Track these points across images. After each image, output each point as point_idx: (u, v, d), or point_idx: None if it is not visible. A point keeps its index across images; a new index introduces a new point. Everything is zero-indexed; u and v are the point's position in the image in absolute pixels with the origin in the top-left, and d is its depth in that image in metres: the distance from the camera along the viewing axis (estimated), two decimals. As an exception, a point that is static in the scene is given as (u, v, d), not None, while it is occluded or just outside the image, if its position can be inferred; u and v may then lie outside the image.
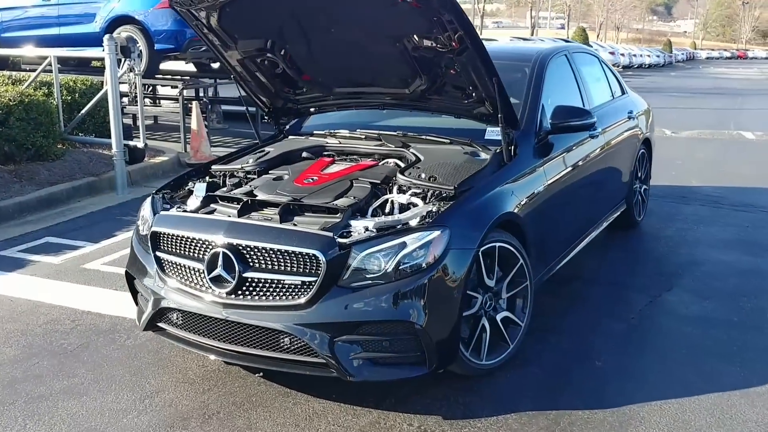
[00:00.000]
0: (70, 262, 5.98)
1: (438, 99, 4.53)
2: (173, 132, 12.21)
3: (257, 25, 4.51)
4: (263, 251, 3.56)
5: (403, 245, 3.50)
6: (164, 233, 3.90)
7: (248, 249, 3.60)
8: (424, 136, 4.70)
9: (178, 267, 3.85)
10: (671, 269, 5.69)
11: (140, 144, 8.85)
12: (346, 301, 3.47)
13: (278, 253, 3.53)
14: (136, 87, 8.83)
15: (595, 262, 5.76)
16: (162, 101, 14.08)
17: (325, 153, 4.79)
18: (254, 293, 3.59)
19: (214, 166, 4.66)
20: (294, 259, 3.51)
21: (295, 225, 3.71)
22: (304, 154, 4.77)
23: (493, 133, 4.62)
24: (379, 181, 4.13)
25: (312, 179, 4.20)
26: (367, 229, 3.60)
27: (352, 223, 3.69)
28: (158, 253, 3.94)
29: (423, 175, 4.05)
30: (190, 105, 11.32)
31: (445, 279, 3.55)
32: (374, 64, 4.47)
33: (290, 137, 5.25)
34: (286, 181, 4.23)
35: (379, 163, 4.48)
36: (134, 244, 4.29)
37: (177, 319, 3.91)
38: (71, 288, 5.41)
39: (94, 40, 11.09)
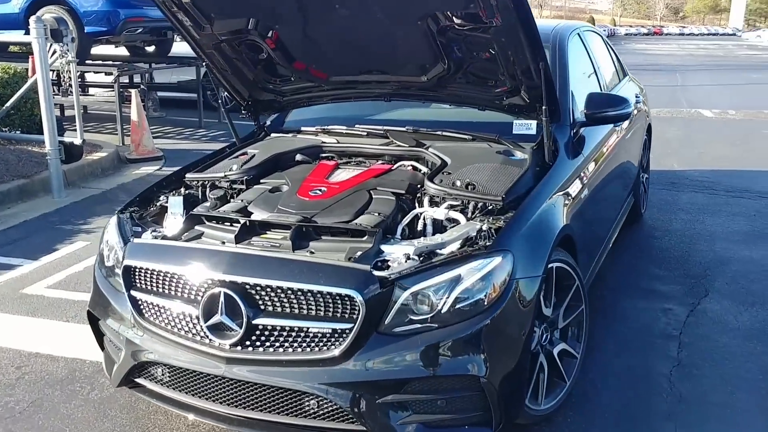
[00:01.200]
0: (6, 287, 5.02)
1: (459, 87, 3.80)
2: (106, 123, 11.12)
3: (239, 1, 3.67)
4: (279, 292, 2.79)
5: (458, 278, 2.77)
6: (141, 268, 3.06)
7: (259, 289, 2.81)
8: (439, 132, 3.97)
9: (163, 311, 3.03)
10: (698, 270, 5.15)
11: (77, 140, 7.81)
12: (391, 352, 2.73)
13: (300, 293, 2.76)
14: (67, 75, 7.75)
15: (613, 265, 5.17)
16: (91, 89, 12.89)
17: (323, 155, 4.01)
18: (268, 344, 2.81)
19: (188, 175, 3.82)
20: (322, 301, 2.75)
21: (312, 253, 2.94)
22: (299, 157, 3.97)
23: (523, 126, 3.93)
24: (403, 191, 3.39)
25: (319, 190, 3.42)
26: (408, 258, 2.85)
27: (385, 248, 2.94)
28: (134, 293, 3.10)
29: (458, 183, 3.32)
30: (126, 93, 10.26)
31: (511, 317, 2.85)
32: (386, 47, 3.70)
33: (273, 135, 4.43)
34: (287, 194, 3.43)
35: (394, 167, 3.73)
36: (98, 278, 3.43)
37: (162, 375, 3.09)
38: (10, 321, 4.49)
39: (12, 23, 9.90)
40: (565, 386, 3.33)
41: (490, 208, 3.18)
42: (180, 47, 12.84)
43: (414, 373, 2.72)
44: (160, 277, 3.01)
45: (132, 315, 3.12)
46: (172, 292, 3.00)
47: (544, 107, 3.46)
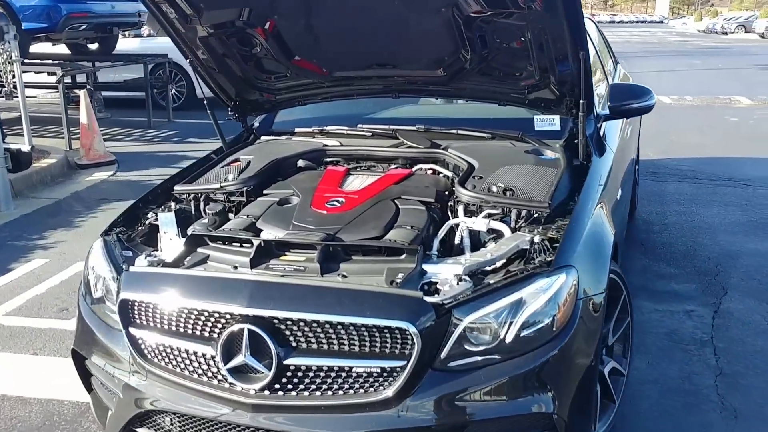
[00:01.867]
0: (-41, 317, 4.45)
1: (479, 81, 3.44)
2: (49, 127, 10.39)
3: (233, -11, 3.23)
4: (315, 326, 2.38)
5: (521, 302, 2.41)
6: (142, 302, 2.61)
7: (290, 323, 2.40)
8: (454, 131, 3.61)
9: (171, 351, 2.59)
10: (709, 266, 4.94)
11: (25, 147, 7.16)
12: (450, 390, 2.36)
13: (341, 327, 2.36)
14: (9, 75, 7.09)
15: (622, 265, 4.88)
16: (29, 91, 12.07)
17: (328, 160, 3.59)
18: (303, 388, 2.41)
19: (177, 187, 3.36)
20: (367, 335, 2.35)
21: (344, 277, 2.54)
22: (301, 163, 3.55)
23: (545, 122, 3.61)
24: (432, 199, 3.01)
25: (337, 201, 3.02)
26: (460, 279, 2.48)
27: (428, 269, 2.56)
28: (134, 331, 2.65)
29: (494, 188, 2.97)
30: (73, 94, 9.59)
31: (581, 341, 2.51)
32: (399, 39, 3.31)
33: (264, 139, 3.99)
34: (300, 207, 3.02)
35: (414, 171, 3.35)
36: (84, 312, 2.96)
37: (171, 425, 2.65)
38: (-32, 359, 3.95)
39: (-58, 20, 9.09)
40: (614, 407, 3.01)
41: (535, 216, 2.83)
42: (125, 44, 12.18)
43: (479, 414, 2.36)
44: (166, 313, 2.57)
45: (132, 356, 2.66)
46: (182, 330, 2.56)
47: (581, 101, 3.13)
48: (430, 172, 3.38)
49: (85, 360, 2.93)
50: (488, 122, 3.70)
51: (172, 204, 3.28)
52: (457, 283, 2.46)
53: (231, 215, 3.24)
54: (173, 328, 2.57)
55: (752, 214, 6.09)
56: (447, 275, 2.52)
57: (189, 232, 3.03)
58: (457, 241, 2.85)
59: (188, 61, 3.59)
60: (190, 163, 3.75)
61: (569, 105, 3.32)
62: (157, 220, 3.13)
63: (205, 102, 3.76)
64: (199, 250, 2.82)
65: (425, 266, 2.56)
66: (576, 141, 3.45)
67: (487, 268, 2.60)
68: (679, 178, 7.32)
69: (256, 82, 3.76)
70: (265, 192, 3.27)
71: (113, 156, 8.56)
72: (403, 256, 2.59)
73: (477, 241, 2.86)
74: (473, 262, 2.58)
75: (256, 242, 2.70)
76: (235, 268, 2.67)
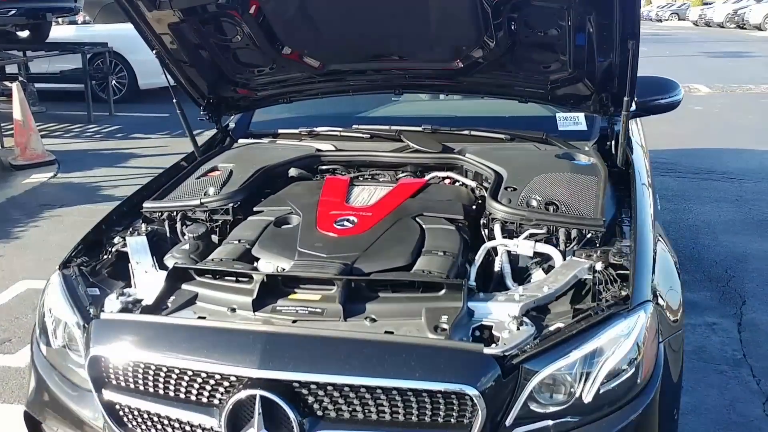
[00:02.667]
0: None
1: (499, 74, 2.97)
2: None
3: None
4: (347, 391, 1.89)
5: (600, 350, 1.96)
6: (119, 360, 2.07)
7: (314, 388, 1.90)
8: (466, 132, 3.14)
9: (159, 420, 2.06)
10: (719, 271, 4.62)
11: (-48, 148, 6.39)
12: (520, 465, 1.89)
13: (380, 392, 1.87)
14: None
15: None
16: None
17: (323, 168, 3.08)
18: (332, 467, 1.91)
19: (147, 204, 2.80)
20: (414, 401, 1.87)
21: (374, 321, 2.05)
22: (293, 172, 3.03)
23: (569, 121, 3.18)
24: (461, 217, 2.54)
25: (347, 221, 2.52)
26: (521, 322, 2.01)
27: (474, 307, 2.09)
28: (109, 395, 2.10)
29: (534, 203, 2.51)
30: (3, 87, 8.77)
31: (668, 392, 2.08)
32: (409, 26, 2.81)
33: (242, 142, 3.45)
34: (304, 229, 2.50)
35: (428, 181, 2.88)
36: (39, 366, 2.41)
37: None
38: None
39: None
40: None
41: (588, 237, 2.39)
42: (59, 32, 11.32)
43: (557, 494, 1.91)
44: (151, 373, 2.03)
45: (106, 425, 2.12)
46: (173, 394, 2.03)
47: (626, 98, 2.68)
48: (448, 181, 2.91)
49: (40, 425, 2.38)
50: (503, 121, 3.25)
51: (142, 225, 2.72)
52: (517, 328, 2.00)
53: (214, 237, 2.71)
54: (162, 392, 2.04)
55: (746, 211, 5.82)
56: (501, 316, 2.06)
57: (167, 261, 2.49)
58: (496, 268, 2.38)
59: (154, 52, 3.02)
60: (158, 173, 3.18)
61: (603, 102, 2.89)
62: (125, 246, 2.57)
63: (174, 101, 3.19)
64: (184, 286, 2.29)
65: (470, 304, 2.09)
66: (608, 143, 3.04)
67: (549, 303, 2.15)
68: (661, 171, 7.00)
69: (234, 77, 3.21)
70: (255, 209, 2.74)
71: (52, 155, 7.82)
72: (443, 291, 2.11)
73: (521, 268, 2.41)
74: (529, 299, 2.12)
75: (257, 277, 2.18)
76: (233, 310, 2.15)
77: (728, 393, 3.26)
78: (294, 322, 2.07)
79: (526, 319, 2.02)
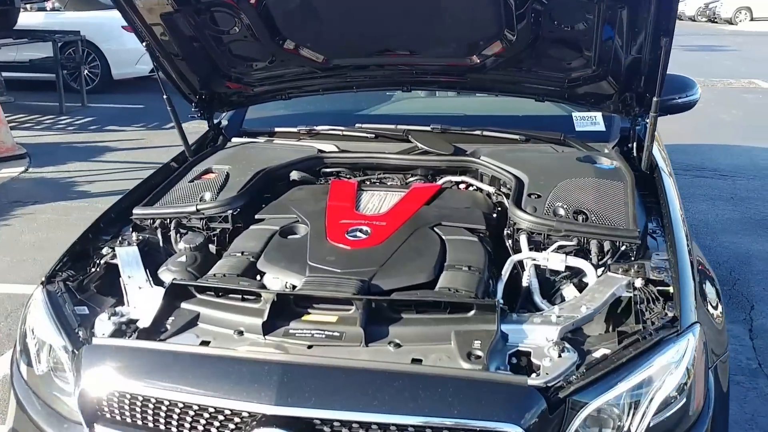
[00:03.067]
0: None
1: (517, 71, 2.78)
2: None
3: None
4: (376, 429, 1.68)
5: (648, 379, 1.79)
6: (113, 391, 1.85)
7: (336, 425, 1.70)
8: (478, 131, 2.95)
9: (159, 459, 1.84)
10: (722, 273, 4.48)
11: None
12: None
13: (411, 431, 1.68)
14: None
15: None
16: None
17: (327, 170, 2.87)
18: None
19: (137, 210, 2.57)
20: (452, 439, 1.67)
21: (398, 346, 1.85)
22: (295, 175, 2.82)
23: (586, 121, 3.01)
24: (483, 227, 2.35)
25: (360, 231, 2.31)
26: (563, 348, 1.82)
27: (508, 330, 1.91)
28: (102, 430, 1.88)
29: (562, 211, 2.33)
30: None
31: (720, 422, 1.91)
32: (424, 18, 2.60)
33: (236, 141, 3.22)
34: (313, 240, 2.29)
35: (441, 184, 2.69)
36: (20, 393, 2.18)
37: None
38: None
39: None
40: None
41: (623, 249, 2.21)
42: (27, 18, 10.89)
43: None
44: (150, 408, 1.82)
45: (98, 462, 1.90)
46: (174, 431, 1.81)
47: (655, 99, 2.51)
48: (463, 186, 2.72)
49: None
50: (516, 121, 3.07)
51: (133, 234, 2.48)
52: (559, 355, 1.81)
53: (211, 246, 2.49)
54: (162, 429, 1.82)
55: (744, 210, 5.71)
56: (538, 340, 1.87)
57: (162, 275, 2.27)
58: (523, 283, 2.19)
59: (144, 44, 2.77)
60: (148, 174, 2.94)
61: (627, 101, 2.72)
62: (115, 257, 2.34)
63: (165, 97, 2.94)
64: (184, 305, 2.07)
65: (503, 326, 1.90)
66: (629, 145, 2.87)
67: (585, 323, 1.97)
68: (651, 168, 6.90)
69: (229, 71, 2.98)
70: (257, 216, 2.52)
71: (23, 148, 7.47)
72: (472, 312, 1.92)
73: (548, 282, 2.23)
74: (568, 320, 1.93)
75: (267, 296, 1.97)
76: (241, 333, 1.95)
77: (748, 406, 3.13)
78: (310, 347, 1.87)
79: (567, 345, 1.84)
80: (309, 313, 1.98)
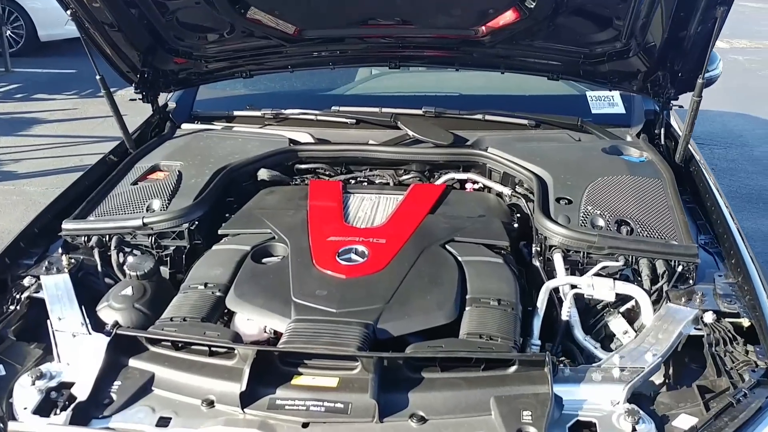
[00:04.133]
0: None
1: (530, 45, 2.32)
2: None
3: None
4: None
5: None
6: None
7: None
8: (480, 116, 2.49)
9: None
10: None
11: None
12: None
13: None
14: None
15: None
16: None
17: (302, 167, 2.38)
18: None
19: (67, 224, 2.04)
20: None
21: (422, 420, 1.41)
22: (264, 174, 2.31)
23: (603, 102, 2.58)
24: (506, 244, 1.91)
25: (356, 253, 1.84)
26: (638, 418, 1.40)
27: (562, 392, 1.47)
28: None
29: (602, 222, 1.90)
30: None
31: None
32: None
33: (186, 127, 2.68)
34: (296, 267, 1.81)
35: (444, 183, 2.23)
36: None
37: None
38: None
39: None
40: None
41: (680, 271, 1.79)
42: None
43: None
44: None
45: None
46: None
47: (700, 79, 2.08)
48: (471, 187, 2.26)
49: None
50: (522, 102, 2.63)
51: (63, 257, 1.95)
52: (633, 429, 1.39)
53: (164, 269, 1.99)
54: None
55: (728, 183, 5.40)
56: (600, 403, 1.46)
57: (102, 313, 1.77)
58: (563, 316, 1.76)
59: (68, 12, 2.20)
60: (79, 175, 2.39)
61: (659, 81, 2.29)
62: (40, 290, 1.82)
63: (98, 77, 2.39)
64: (133, 362, 1.58)
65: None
66: (656, 132, 2.45)
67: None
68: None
69: (177, 44, 2.44)
70: (221, 231, 2.02)
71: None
72: (513, 368, 1.49)
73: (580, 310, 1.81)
74: (634, 374, 1.51)
75: (244, 353, 1.50)
76: (211, 404, 1.47)
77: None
78: (305, 425, 1.41)
79: (642, 413, 1.42)
80: (300, 374, 1.52)
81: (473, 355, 1.49)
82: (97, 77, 2.35)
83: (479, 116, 2.48)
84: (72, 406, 1.48)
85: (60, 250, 2.02)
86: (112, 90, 2.45)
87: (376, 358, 1.47)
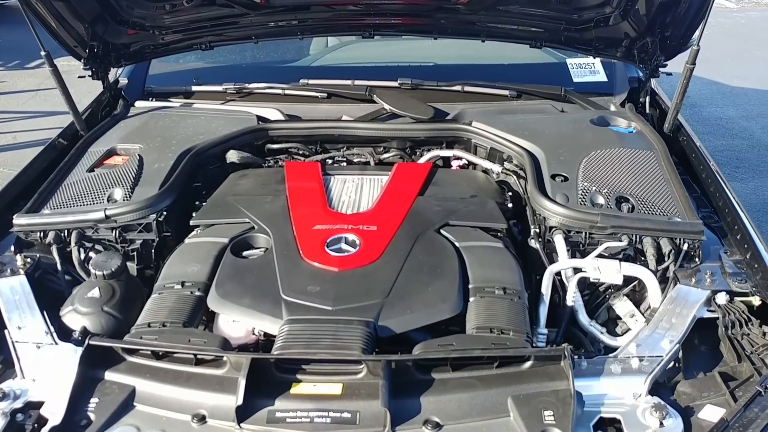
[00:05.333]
0: None
1: (513, 11, 2.19)
2: None
3: None
4: None
5: None
6: None
7: None
8: (458, 87, 2.36)
9: None
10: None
11: None
12: None
13: None
14: None
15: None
16: None
17: (274, 147, 2.22)
18: None
19: (18, 219, 1.85)
20: None
21: (437, 427, 1.30)
22: (233, 156, 2.15)
23: (585, 70, 2.49)
24: (504, 226, 1.80)
25: (346, 242, 1.70)
26: (665, 414, 1.32)
27: (581, 387, 1.38)
28: None
29: (601, 199, 1.81)
30: None
31: None
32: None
33: (140, 105, 2.47)
34: (281, 260, 1.66)
35: (435, 164, 2.11)
36: None
37: None
38: None
39: None
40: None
41: (685, 249, 1.72)
42: None
43: None
44: None
45: None
46: None
47: (695, 47, 1.99)
48: (457, 164, 2.14)
49: None
50: (500, 71, 2.50)
51: (17, 257, 1.75)
52: (661, 423, 1.31)
53: (131, 265, 1.82)
54: None
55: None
56: (622, 397, 1.37)
57: (68, 319, 1.60)
58: (568, 302, 1.67)
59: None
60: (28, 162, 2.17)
61: (647, 48, 2.20)
62: (-4, 293, 1.64)
63: (43, 53, 2.14)
64: (109, 375, 1.42)
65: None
66: (641, 100, 2.37)
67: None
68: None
69: (129, 15, 2.22)
70: (193, 222, 1.85)
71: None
72: (528, 364, 1.39)
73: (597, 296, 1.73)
74: (653, 363, 1.43)
75: (238, 360, 1.36)
76: (203, 420, 1.33)
77: None
78: None
79: (668, 407, 1.34)
80: (298, 381, 1.38)
81: (489, 352, 1.38)
82: (42, 53, 2.11)
83: (458, 87, 2.35)
84: (45, 430, 1.32)
85: (12, 249, 1.82)
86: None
87: (384, 361, 1.35)
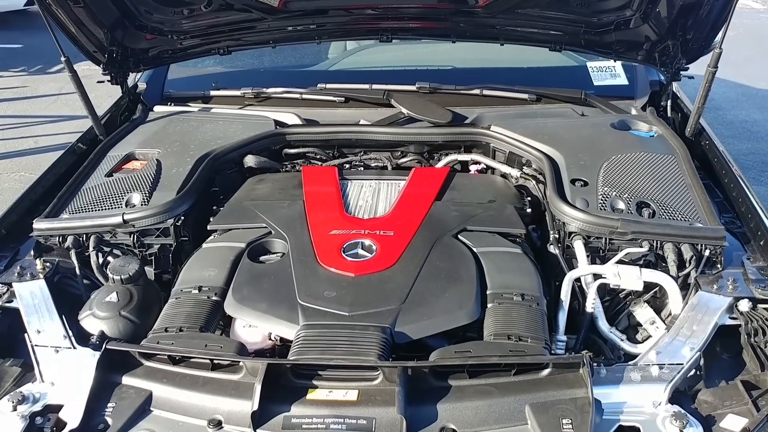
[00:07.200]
0: None
1: (532, 15, 2.18)
2: None
3: None
4: None
5: None
6: None
7: None
8: (477, 91, 2.35)
9: None
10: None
11: None
12: None
13: None
14: None
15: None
16: None
17: (291, 152, 2.21)
18: None
19: (38, 224, 1.86)
20: None
21: (454, 434, 1.29)
22: (251, 161, 2.15)
23: (605, 73, 2.46)
24: (522, 231, 1.79)
25: (363, 248, 1.70)
26: (686, 423, 1.30)
27: (600, 394, 1.36)
28: None
29: (622, 205, 1.79)
30: None
31: None
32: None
33: (159, 110, 2.49)
34: (298, 265, 1.66)
35: (447, 165, 2.10)
36: None
37: None
38: None
39: None
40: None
41: (707, 254, 1.69)
42: None
43: None
44: None
45: None
46: None
47: (717, 50, 1.96)
48: (475, 168, 2.13)
49: None
50: (519, 74, 2.50)
51: (36, 261, 1.77)
52: (683, 430, 1.29)
53: (149, 269, 1.83)
54: None
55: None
56: (641, 405, 1.36)
57: (86, 323, 1.61)
58: (588, 308, 1.65)
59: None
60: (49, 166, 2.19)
61: (669, 51, 2.17)
62: (13, 299, 1.65)
63: (63, 59, 2.16)
64: (126, 380, 1.42)
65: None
66: (662, 104, 2.34)
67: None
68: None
69: (149, 20, 2.23)
70: (211, 227, 1.86)
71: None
72: (546, 372, 1.37)
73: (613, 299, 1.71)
74: (673, 371, 1.41)
75: (254, 366, 1.35)
76: (219, 426, 1.32)
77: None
78: None
79: (689, 416, 1.32)
80: (314, 387, 1.38)
81: (506, 360, 1.37)
82: (62, 59, 2.13)
83: (477, 91, 2.34)
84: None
85: (32, 253, 1.83)
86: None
87: (400, 367, 1.34)
